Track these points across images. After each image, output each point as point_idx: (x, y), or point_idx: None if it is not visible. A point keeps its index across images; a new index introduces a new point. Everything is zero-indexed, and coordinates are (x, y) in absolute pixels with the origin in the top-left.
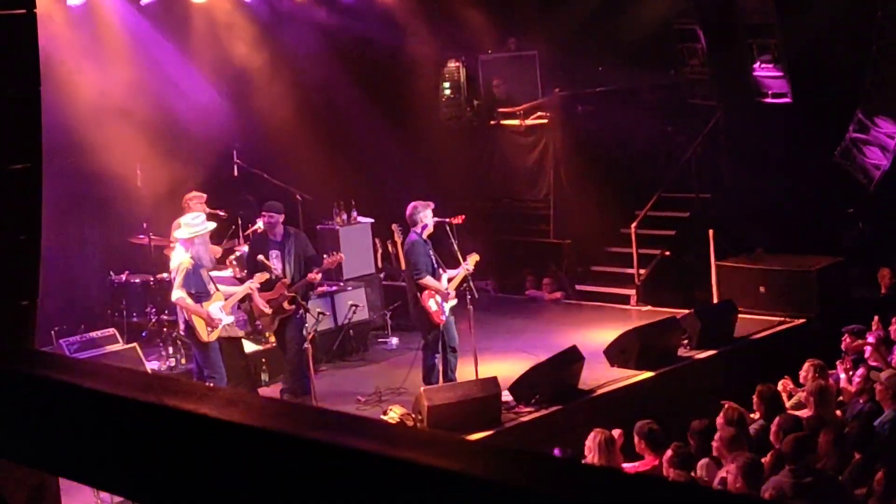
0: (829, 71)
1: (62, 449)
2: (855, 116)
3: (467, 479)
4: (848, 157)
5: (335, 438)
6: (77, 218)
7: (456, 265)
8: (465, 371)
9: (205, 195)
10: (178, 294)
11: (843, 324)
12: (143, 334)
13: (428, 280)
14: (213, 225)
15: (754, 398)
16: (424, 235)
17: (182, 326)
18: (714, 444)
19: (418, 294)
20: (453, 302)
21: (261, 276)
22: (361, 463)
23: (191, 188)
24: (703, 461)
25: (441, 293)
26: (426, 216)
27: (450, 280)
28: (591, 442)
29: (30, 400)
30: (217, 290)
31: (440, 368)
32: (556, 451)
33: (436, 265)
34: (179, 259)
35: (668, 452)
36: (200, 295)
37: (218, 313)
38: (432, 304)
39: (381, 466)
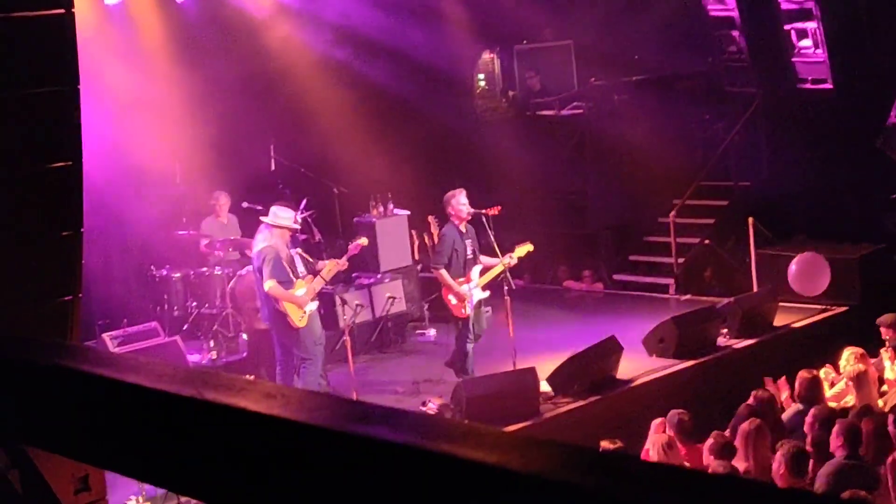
0: (869, 55)
1: (105, 442)
2: None
3: (504, 473)
4: (889, 143)
5: (372, 431)
6: (118, 214)
7: (493, 257)
8: (504, 363)
9: (228, 200)
10: (269, 284)
11: (886, 312)
12: (185, 328)
13: (442, 273)
14: (297, 226)
15: (796, 384)
16: (459, 224)
17: (266, 316)
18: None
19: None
20: (483, 294)
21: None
22: (398, 456)
23: (222, 187)
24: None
25: (453, 291)
26: (456, 202)
27: (484, 271)
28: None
29: (74, 394)
30: (299, 277)
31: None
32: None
33: (469, 256)
34: (261, 246)
35: (709, 440)
36: (284, 283)
37: (304, 300)
38: (452, 299)
39: (418, 459)
